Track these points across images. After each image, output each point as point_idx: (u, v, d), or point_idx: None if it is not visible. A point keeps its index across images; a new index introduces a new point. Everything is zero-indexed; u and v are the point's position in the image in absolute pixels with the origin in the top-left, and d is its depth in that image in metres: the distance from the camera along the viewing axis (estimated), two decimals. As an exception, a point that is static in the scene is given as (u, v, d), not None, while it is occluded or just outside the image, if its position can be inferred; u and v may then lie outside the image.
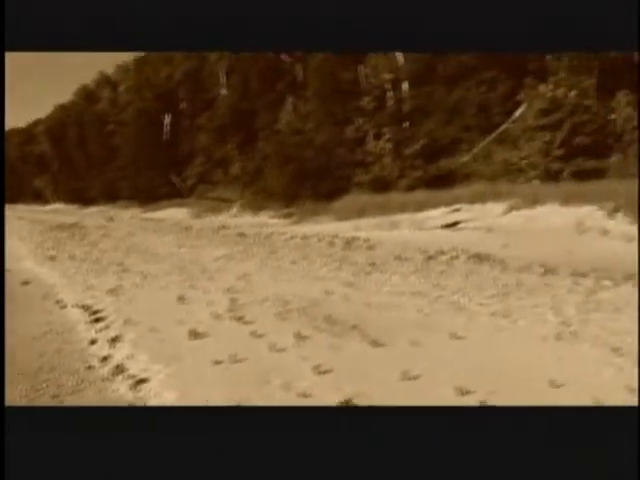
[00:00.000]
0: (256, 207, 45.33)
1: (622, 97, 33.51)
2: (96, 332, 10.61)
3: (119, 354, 9.14)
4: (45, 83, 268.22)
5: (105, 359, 9.08)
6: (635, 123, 32.43)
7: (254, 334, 9.67)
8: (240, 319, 10.73)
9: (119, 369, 8.48)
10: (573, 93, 33.09)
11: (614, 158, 31.74)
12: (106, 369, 8.64)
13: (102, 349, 9.60)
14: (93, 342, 10.10)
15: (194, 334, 9.67)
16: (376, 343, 8.99)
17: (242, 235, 28.43)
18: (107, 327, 10.80)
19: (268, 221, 39.19)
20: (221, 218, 45.47)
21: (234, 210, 48.13)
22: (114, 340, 9.85)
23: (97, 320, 11.40)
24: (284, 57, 54.55)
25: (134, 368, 8.43)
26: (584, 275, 14.54)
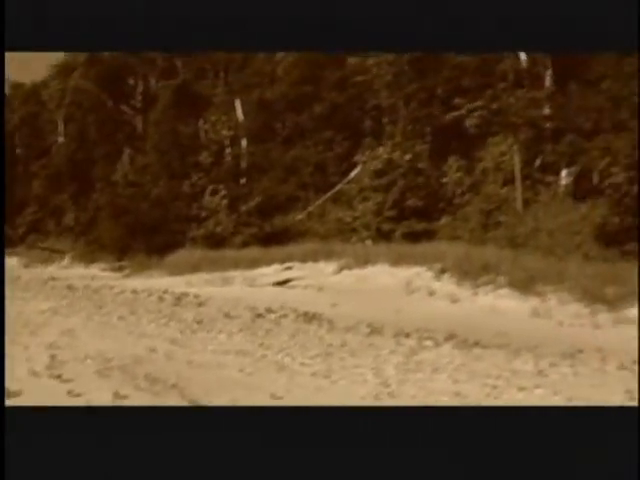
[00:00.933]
0: (88, 259, 44.31)
1: (453, 162, 34.76)
2: None
3: None
4: None
5: None
6: (464, 188, 33.68)
7: (71, 393, 9.44)
8: (58, 377, 10.49)
9: None
10: (408, 156, 34.10)
11: (443, 221, 32.79)
12: None
13: None
14: None
15: (8, 393, 9.35)
16: (195, 403, 8.93)
17: (71, 288, 27.72)
18: None
19: (99, 274, 38.35)
20: (51, 269, 44.19)
21: (65, 261, 46.96)
22: None
23: None
24: (124, 108, 54.17)
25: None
26: (408, 335, 14.94)
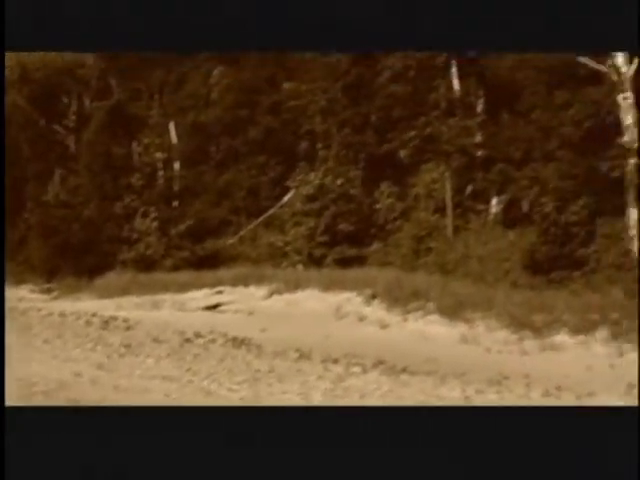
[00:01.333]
0: (17, 280, 43.58)
1: (385, 188, 34.84)
2: None
3: None
4: None
5: None
6: (396, 214, 33.85)
7: (-8, 418, 9.26)
8: (-21, 401, 10.28)
9: None
10: (339, 181, 34.22)
11: (375, 246, 32.93)
12: None
13: None
14: None
15: None
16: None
17: (-3, 309, 27.22)
18: None
19: (27, 295, 37.74)
20: (-23, 290, 43.35)
21: (-8, 282, 46.07)
22: None
23: None
24: (57, 127, 53.53)
25: None
26: (336, 361, 14.94)
